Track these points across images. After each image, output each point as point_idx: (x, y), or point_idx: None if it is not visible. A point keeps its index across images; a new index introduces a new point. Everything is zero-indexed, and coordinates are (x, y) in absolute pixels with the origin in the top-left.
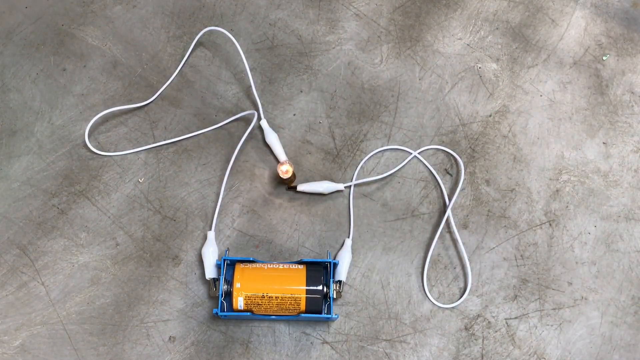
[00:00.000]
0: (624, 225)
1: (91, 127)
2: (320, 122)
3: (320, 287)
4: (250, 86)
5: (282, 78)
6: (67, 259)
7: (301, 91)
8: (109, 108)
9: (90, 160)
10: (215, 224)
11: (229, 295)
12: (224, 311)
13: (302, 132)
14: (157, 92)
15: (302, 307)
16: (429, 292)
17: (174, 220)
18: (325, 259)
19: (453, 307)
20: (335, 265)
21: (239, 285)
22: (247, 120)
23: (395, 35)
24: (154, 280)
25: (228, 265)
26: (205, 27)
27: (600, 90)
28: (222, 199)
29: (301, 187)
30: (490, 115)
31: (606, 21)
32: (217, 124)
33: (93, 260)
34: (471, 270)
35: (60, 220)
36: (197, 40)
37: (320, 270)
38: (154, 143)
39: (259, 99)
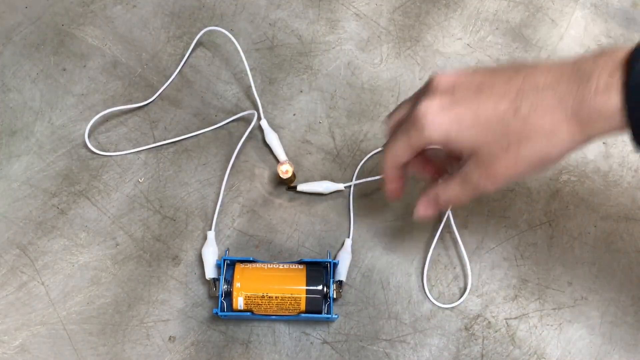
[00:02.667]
0: (624, 225)
1: (91, 127)
2: (320, 122)
3: (320, 287)
4: (250, 86)
5: (282, 78)
6: (67, 259)
7: (301, 91)
8: (109, 108)
9: (90, 160)
10: (215, 224)
11: (229, 295)
12: (224, 311)
13: (302, 132)
14: (157, 92)
15: (302, 307)
16: (429, 292)
17: (174, 220)
18: (325, 259)
19: (453, 307)
20: (335, 265)
21: (239, 285)
22: (247, 120)
23: (395, 35)
24: (153, 280)
25: (228, 265)
26: (205, 27)
27: None
28: (222, 199)
29: (301, 187)
30: None
31: (606, 21)
32: (217, 123)
33: (93, 260)
34: (471, 270)
35: (60, 220)
36: (197, 40)
37: (320, 271)
38: (153, 143)
39: (259, 98)
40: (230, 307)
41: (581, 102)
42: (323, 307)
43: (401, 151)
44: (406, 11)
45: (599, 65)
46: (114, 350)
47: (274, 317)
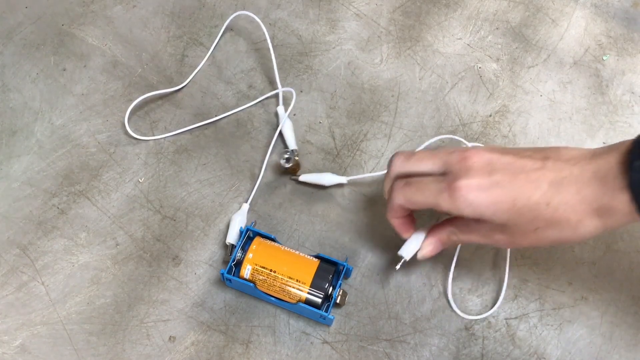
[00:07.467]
0: None
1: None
2: (320, 122)
3: (325, 285)
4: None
5: (282, 78)
6: (67, 259)
7: (301, 91)
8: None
9: (90, 160)
10: (252, 199)
11: (239, 264)
12: (230, 274)
13: (302, 132)
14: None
15: (303, 297)
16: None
17: (174, 220)
18: (342, 261)
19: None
20: (349, 270)
21: (251, 256)
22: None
23: (395, 35)
24: (154, 280)
25: (249, 238)
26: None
27: (600, 90)
28: (262, 175)
29: (303, 177)
30: (490, 115)
31: (606, 21)
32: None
33: (93, 260)
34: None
35: (60, 220)
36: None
37: (331, 270)
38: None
39: (280, 83)
40: (237, 276)
41: (600, 201)
42: (323, 304)
43: (420, 202)
44: (406, 11)
45: (612, 165)
46: (114, 350)
47: (273, 299)
